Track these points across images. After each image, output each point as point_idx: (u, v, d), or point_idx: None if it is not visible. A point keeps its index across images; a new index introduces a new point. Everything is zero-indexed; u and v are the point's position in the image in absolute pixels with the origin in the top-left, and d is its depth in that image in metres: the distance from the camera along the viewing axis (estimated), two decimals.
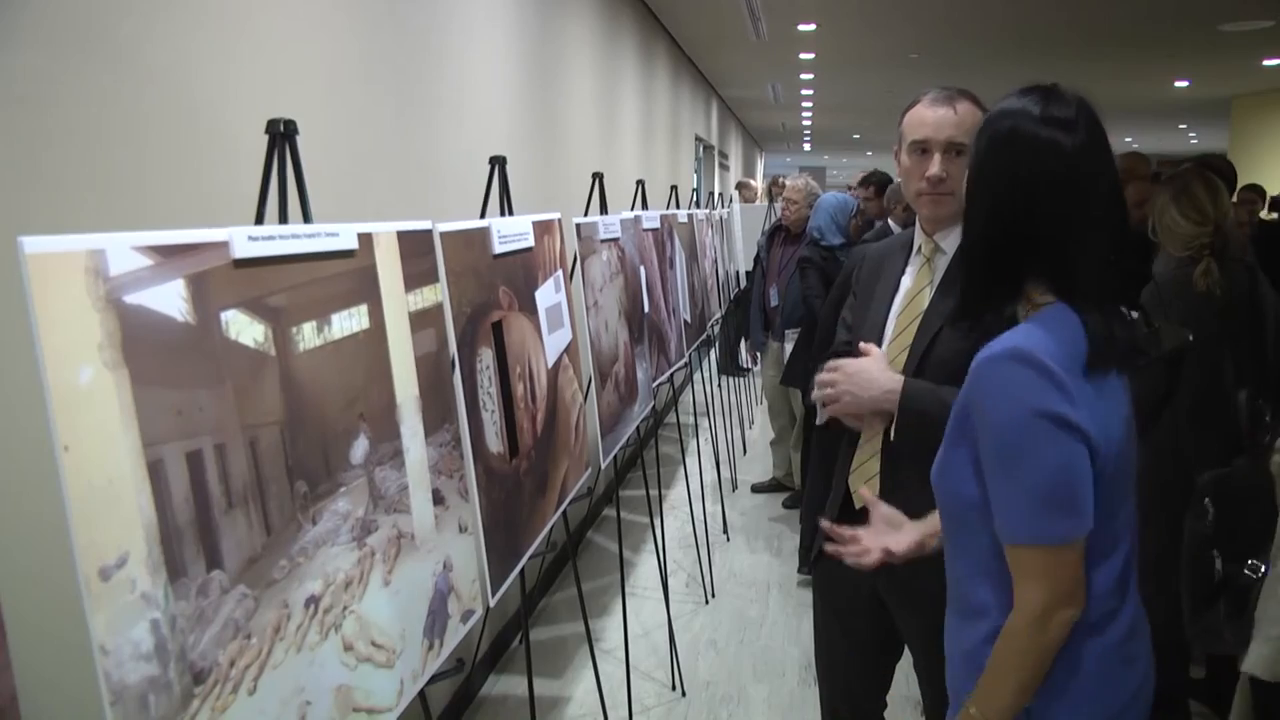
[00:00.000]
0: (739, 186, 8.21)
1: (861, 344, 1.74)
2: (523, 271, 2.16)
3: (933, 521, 1.49)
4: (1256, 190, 5.71)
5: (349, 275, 1.41)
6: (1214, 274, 2.49)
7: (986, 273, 1.26)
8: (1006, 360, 1.17)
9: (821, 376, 1.73)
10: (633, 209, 3.75)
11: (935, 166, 1.69)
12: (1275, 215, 6.19)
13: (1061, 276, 1.21)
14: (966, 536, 1.28)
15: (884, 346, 1.77)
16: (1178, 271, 2.53)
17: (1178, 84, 9.87)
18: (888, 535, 1.55)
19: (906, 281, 1.81)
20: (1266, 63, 8.46)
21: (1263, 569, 1.72)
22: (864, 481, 1.79)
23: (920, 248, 1.79)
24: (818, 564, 1.95)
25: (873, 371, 1.68)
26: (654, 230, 3.71)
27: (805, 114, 13.73)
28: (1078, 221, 1.19)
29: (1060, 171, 1.18)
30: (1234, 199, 4.72)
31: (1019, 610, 1.19)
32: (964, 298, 1.30)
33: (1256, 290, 2.65)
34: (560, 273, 2.44)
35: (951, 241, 1.75)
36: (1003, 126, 1.23)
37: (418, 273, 1.62)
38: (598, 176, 3.24)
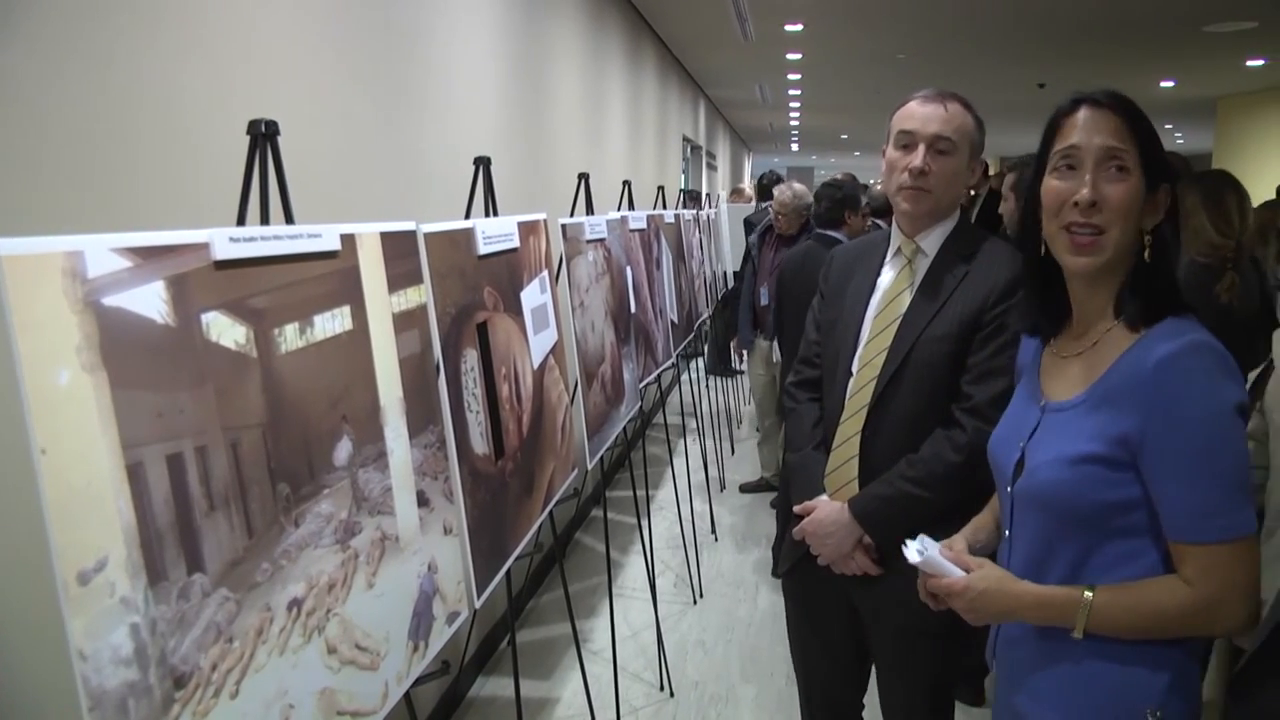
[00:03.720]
0: (733, 192, 8.24)
1: (805, 505, 1.80)
2: (508, 272, 2.16)
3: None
4: None
5: (332, 276, 1.40)
6: (1237, 288, 2.57)
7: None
8: (1193, 353, 1.14)
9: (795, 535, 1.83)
10: (619, 210, 3.75)
11: (918, 158, 1.66)
12: None
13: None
14: (1092, 540, 1.22)
15: (858, 349, 1.75)
16: (1197, 275, 2.57)
17: (1163, 84, 9.92)
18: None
19: (884, 282, 1.77)
20: (1250, 63, 8.52)
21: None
22: (839, 487, 1.76)
23: (900, 249, 1.76)
24: (791, 569, 1.94)
25: (835, 534, 1.74)
26: (640, 231, 3.71)
27: (793, 114, 13.76)
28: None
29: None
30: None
31: (1198, 593, 1.13)
32: (1156, 295, 1.23)
33: (1264, 285, 2.73)
34: (546, 273, 2.44)
35: (932, 243, 1.72)
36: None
37: (401, 274, 1.61)
38: (584, 177, 3.23)
